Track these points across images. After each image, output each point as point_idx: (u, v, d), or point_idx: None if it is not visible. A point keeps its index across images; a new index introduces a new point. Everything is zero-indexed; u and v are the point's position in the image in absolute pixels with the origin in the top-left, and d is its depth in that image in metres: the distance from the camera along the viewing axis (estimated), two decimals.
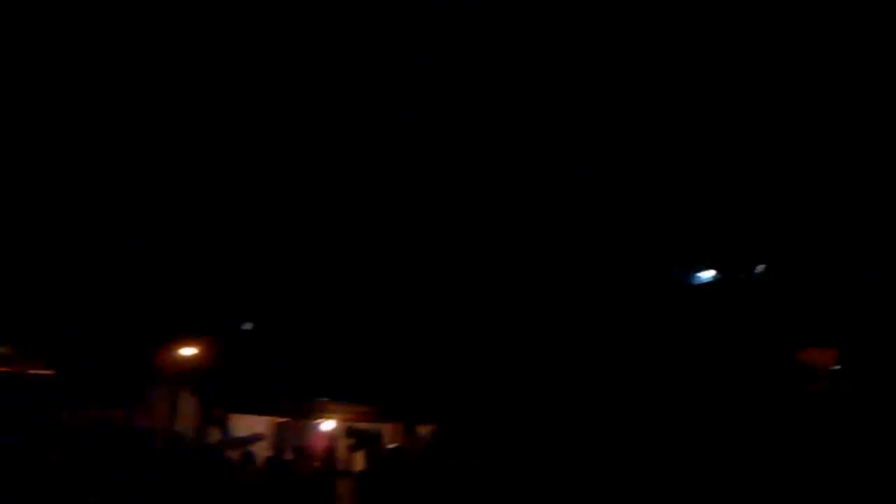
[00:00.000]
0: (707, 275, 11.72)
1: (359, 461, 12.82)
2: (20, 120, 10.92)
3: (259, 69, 10.85)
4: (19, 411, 10.68)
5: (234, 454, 11.73)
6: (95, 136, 11.65)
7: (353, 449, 13.55)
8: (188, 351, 14.32)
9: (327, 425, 14.35)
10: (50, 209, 12.58)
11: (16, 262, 13.33)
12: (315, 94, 11.39)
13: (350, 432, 14.23)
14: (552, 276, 13.69)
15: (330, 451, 13.67)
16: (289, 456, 12.48)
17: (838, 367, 9.16)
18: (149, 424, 12.62)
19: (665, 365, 10.86)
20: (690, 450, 8.55)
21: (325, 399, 14.75)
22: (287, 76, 11.03)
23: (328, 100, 11.50)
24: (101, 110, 11.29)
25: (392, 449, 13.11)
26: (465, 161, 12.29)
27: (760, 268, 10.98)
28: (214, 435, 13.72)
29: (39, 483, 7.79)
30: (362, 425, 14.44)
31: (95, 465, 9.00)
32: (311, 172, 12.94)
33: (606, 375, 11.48)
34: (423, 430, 13.91)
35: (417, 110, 11.40)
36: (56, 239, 13.50)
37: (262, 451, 12.51)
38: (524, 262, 13.92)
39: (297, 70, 10.93)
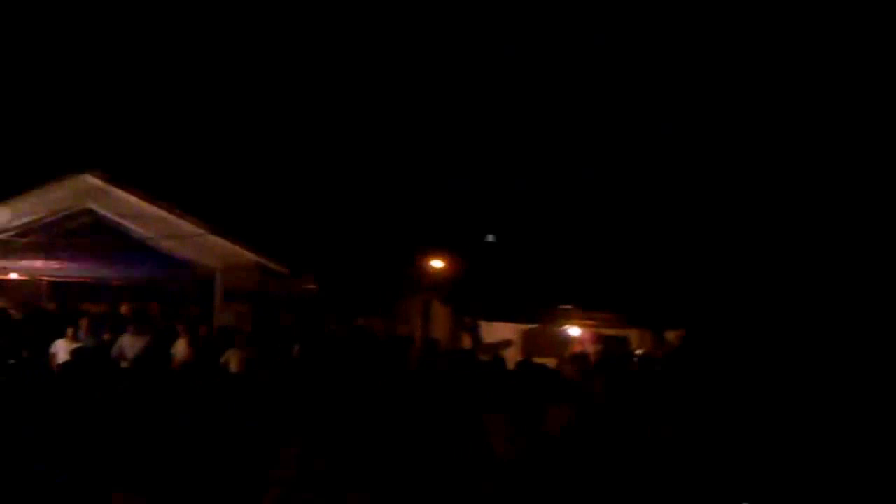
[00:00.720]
0: None
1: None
2: None
3: None
4: (293, 322, 12.27)
5: (485, 358, 12.34)
6: None
7: (600, 355, 13.55)
8: (439, 263, 15.29)
9: (574, 331, 14.48)
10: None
11: (287, 195, 15.13)
12: None
13: (597, 338, 14.25)
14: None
15: (580, 356, 13.79)
16: (537, 359, 12.81)
17: None
18: (406, 332, 13.79)
19: None
20: None
21: (572, 306, 14.85)
22: None
23: None
24: None
25: (640, 355, 12.95)
26: None
27: None
28: (466, 341, 14.56)
29: (313, 386, 8.83)
30: (609, 331, 14.37)
31: (360, 368, 10.00)
32: None
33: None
34: (671, 335, 13.49)
35: None
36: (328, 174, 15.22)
37: (511, 355, 13.04)
38: None
39: None
